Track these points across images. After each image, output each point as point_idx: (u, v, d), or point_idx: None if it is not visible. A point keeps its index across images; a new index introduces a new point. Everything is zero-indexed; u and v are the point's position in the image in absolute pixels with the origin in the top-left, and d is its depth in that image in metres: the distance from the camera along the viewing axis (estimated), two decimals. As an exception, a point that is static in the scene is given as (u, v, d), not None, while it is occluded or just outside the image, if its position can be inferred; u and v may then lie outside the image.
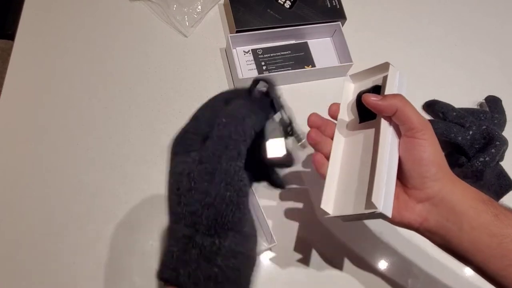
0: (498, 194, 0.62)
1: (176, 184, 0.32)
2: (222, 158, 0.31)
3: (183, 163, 0.33)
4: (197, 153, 0.32)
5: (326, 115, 0.67)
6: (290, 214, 0.60)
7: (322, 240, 0.59)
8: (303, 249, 0.58)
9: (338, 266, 0.58)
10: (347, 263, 0.58)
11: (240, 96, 0.36)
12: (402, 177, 0.42)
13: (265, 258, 0.57)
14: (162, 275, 0.32)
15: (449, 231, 0.40)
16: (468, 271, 0.60)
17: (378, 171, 0.40)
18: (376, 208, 0.39)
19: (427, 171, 0.40)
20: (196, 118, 0.35)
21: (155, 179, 0.59)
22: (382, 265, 0.59)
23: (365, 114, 0.46)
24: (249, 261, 0.33)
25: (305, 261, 0.57)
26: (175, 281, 0.31)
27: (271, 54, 0.70)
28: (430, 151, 0.40)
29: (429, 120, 0.69)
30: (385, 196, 0.40)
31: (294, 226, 0.59)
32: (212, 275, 0.31)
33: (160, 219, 0.52)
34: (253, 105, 0.34)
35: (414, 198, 0.41)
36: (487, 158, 0.61)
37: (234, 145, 0.31)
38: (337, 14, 0.72)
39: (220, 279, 0.31)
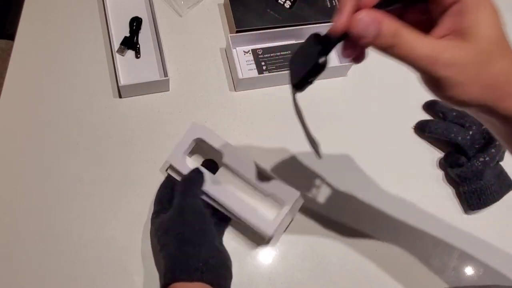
0: (498, 194, 0.62)
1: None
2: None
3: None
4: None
5: (324, 115, 0.68)
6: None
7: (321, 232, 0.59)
8: (302, 245, 0.58)
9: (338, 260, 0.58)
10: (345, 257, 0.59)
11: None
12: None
13: (265, 257, 0.57)
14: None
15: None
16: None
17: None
18: (268, 235, 0.54)
19: None
20: (160, 201, 0.55)
21: (155, 179, 0.59)
22: (383, 263, 0.59)
23: None
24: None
25: (304, 258, 0.58)
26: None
27: (271, 54, 0.70)
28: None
29: (429, 120, 0.69)
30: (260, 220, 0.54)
31: (293, 224, 0.59)
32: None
33: (160, 219, 0.52)
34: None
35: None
36: (487, 158, 0.61)
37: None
38: (337, 14, 0.72)
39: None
